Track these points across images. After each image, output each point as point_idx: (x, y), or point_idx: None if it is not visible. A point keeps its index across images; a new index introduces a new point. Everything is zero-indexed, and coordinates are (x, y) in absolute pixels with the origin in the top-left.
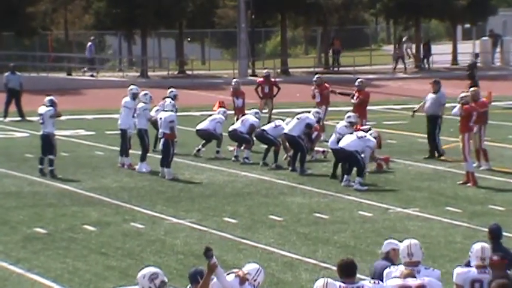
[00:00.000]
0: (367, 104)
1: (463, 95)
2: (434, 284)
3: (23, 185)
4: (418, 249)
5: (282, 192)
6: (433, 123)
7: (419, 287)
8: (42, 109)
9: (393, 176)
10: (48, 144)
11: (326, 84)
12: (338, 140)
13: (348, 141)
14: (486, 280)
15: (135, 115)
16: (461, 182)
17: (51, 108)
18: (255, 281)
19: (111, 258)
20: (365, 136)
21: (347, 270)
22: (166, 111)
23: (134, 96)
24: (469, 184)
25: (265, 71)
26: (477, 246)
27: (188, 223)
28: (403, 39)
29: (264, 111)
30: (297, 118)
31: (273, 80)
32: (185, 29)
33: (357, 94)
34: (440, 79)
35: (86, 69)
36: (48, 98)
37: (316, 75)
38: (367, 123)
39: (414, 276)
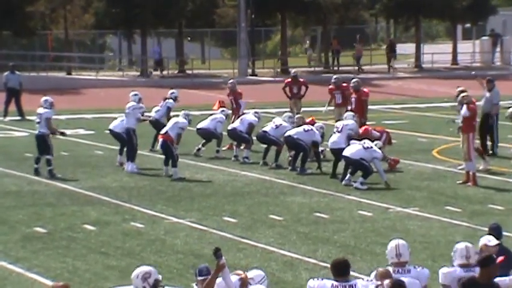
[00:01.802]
0: (367, 103)
1: (463, 94)
2: (414, 284)
3: (22, 184)
4: (406, 249)
5: (282, 191)
6: (487, 121)
7: None
8: (41, 110)
9: (393, 176)
10: (43, 144)
11: (344, 84)
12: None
13: (353, 150)
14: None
15: (125, 114)
16: (460, 181)
17: (49, 110)
18: None
19: (111, 258)
20: (371, 147)
21: (340, 269)
22: (184, 118)
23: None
24: (468, 184)
25: (293, 71)
26: (461, 246)
27: (188, 222)
28: (306, 45)
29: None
30: (304, 130)
31: (301, 80)
32: (185, 29)
33: (354, 95)
34: (440, 79)
35: (152, 70)
36: (44, 98)
37: (335, 77)
38: (367, 122)
39: (390, 276)
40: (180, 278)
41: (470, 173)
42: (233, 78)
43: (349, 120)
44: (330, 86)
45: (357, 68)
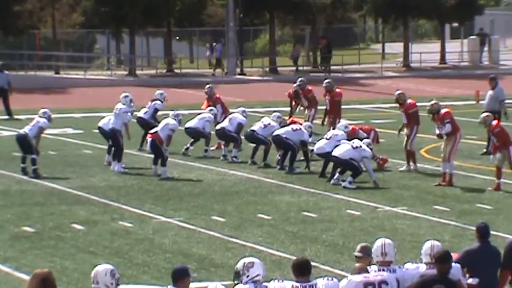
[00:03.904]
0: (341, 103)
1: (433, 102)
2: (393, 279)
3: (10, 183)
4: (392, 249)
5: (270, 191)
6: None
7: (382, 282)
8: (39, 118)
9: (382, 175)
10: (25, 144)
11: (309, 87)
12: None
13: (342, 150)
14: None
15: (114, 114)
16: (437, 183)
17: (46, 121)
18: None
19: (99, 257)
20: (360, 146)
21: (301, 270)
22: (173, 119)
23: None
24: (444, 183)
25: (295, 85)
26: (427, 244)
27: (176, 222)
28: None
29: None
30: (292, 129)
31: (303, 91)
32: (173, 28)
33: (327, 96)
34: (429, 78)
35: (213, 71)
36: (43, 110)
37: (300, 79)
38: (355, 122)
39: (367, 270)
40: (168, 278)
41: (447, 172)
42: (210, 83)
43: (339, 131)
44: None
45: (295, 68)
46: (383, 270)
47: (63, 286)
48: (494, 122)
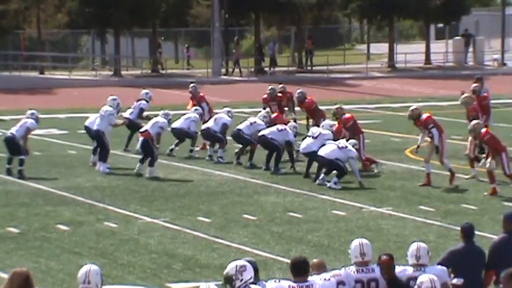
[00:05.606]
0: (317, 106)
1: (413, 107)
2: (350, 278)
3: None
4: (370, 248)
5: (256, 191)
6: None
7: (339, 283)
8: (26, 119)
9: (367, 175)
10: (13, 145)
11: (279, 94)
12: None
13: (327, 150)
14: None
15: (99, 116)
16: (421, 183)
17: (34, 122)
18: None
19: (85, 258)
20: (346, 147)
21: (298, 269)
22: (163, 117)
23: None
24: (425, 184)
25: (269, 87)
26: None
27: (162, 222)
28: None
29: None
30: (278, 130)
31: (284, 94)
32: (159, 28)
33: (302, 106)
34: (414, 78)
35: (269, 68)
36: (30, 111)
37: (270, 88)
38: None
39: (324, 268)
40: (153, 278)
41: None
42: (194, 82)
43: (326, 130)
44: (264, 96)
45: (237, 69)
46: (362, 270)
47: (48, 287)
48: (483, 130)
